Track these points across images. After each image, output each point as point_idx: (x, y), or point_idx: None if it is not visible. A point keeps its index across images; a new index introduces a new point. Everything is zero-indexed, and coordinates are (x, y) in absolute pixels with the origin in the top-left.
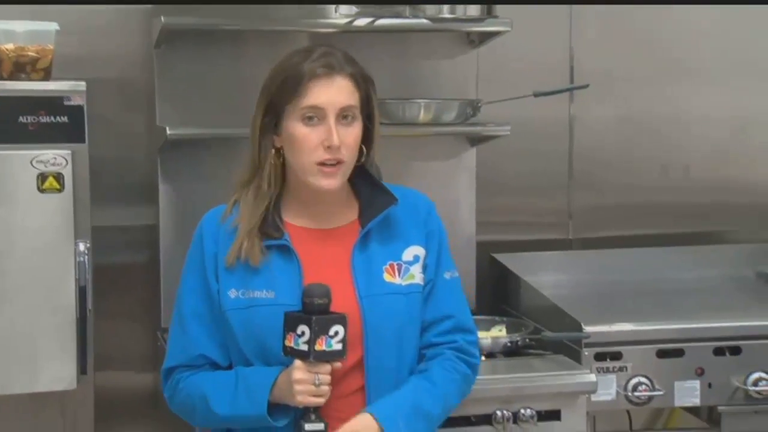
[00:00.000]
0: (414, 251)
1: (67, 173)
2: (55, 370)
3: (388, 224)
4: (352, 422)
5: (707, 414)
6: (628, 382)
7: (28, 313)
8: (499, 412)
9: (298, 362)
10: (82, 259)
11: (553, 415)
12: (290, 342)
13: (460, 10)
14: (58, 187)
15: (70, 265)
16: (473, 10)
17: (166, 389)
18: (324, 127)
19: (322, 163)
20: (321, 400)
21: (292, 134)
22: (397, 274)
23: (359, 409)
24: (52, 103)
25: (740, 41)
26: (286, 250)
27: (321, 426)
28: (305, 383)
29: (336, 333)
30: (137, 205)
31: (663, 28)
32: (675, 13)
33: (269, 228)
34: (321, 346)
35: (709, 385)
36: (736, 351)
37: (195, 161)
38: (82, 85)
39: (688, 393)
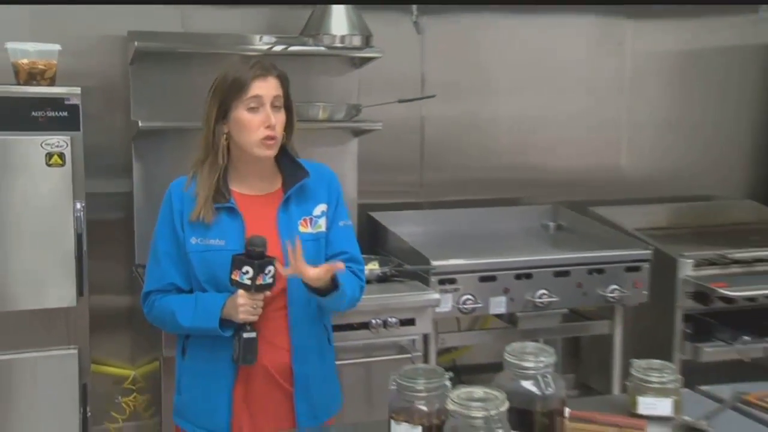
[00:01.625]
0: (321, 208)
1: (68, 153)
2: (61, 292)
3: (303, 190)
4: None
5: (508, 318)
6: (459, 298)
7: (40, 252)
8: (373, 321)
9: (241, 291)
10: (78, 214)
11: (410, 322)
12: (236, 277)
13: (348, 40)
14: (60, 162)
15: (69, 219)
16: (357, 41)
17: (145, 306)
18: (263, 113)
19: (264, 139)
20: (255, 318)
21: (240, 120)
22: (309, 225)
23: (282, 323)
24: (55, 103)
25: (537, 62)
26: (232, 211)
27: (254, 334)
28: (246, 306)
29: (269, 271)
30: (118, 178)
31: (485, 52)
32: (493, 40)
33: (220, 194)
34: (260, 281)
35: (512, 299)
36: (528, 276)
37: (159, 146)
38: (77, 90)
39: (498, 305)
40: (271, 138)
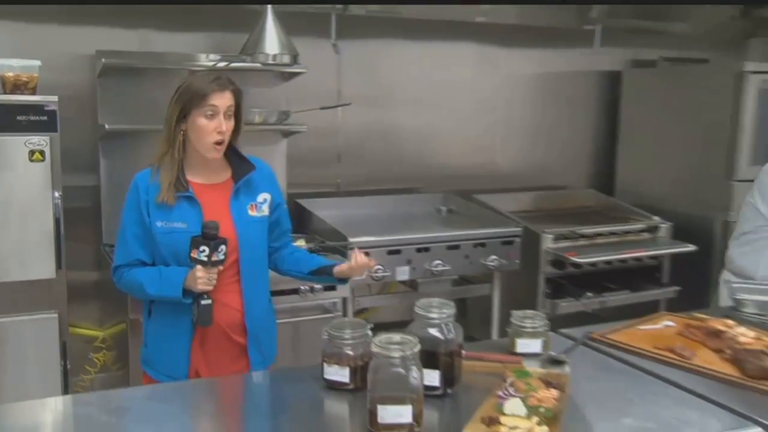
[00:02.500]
0: (264, 196)
1: (47, 150)
2: (42, 266)
3: (249, 182)
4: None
5: (411, 284)
6: (371, 268)
7: (24, 234)
8: (302, 287)
9: (199, 267)
10: (56, 202)
11: (332, 288)
12: (195, 255)
13: (278, 58)
14: (41, 158)
15: (49, 206)
16: (286, 59)
17: (115, 277)
18: (217, 120)
19: (216, 143)
20: (211, 288)
21: (197, 124)
22: (255, 210)
23: (236, 288)
24: (37, 108)
25: (432, 80)
26: (191, 198)
27: (209, 301)
28: (203, 279)
29: (221, 249)
30: (88, 172)
31: (390, 71)
32: (397, 61)
33: (180, 184)
34: (215, 257)
35: (414, 269)
36: (426, 249)
37: (122, 146)
38: (55, 98)
39: (403, 273)
40: (221, 142)
